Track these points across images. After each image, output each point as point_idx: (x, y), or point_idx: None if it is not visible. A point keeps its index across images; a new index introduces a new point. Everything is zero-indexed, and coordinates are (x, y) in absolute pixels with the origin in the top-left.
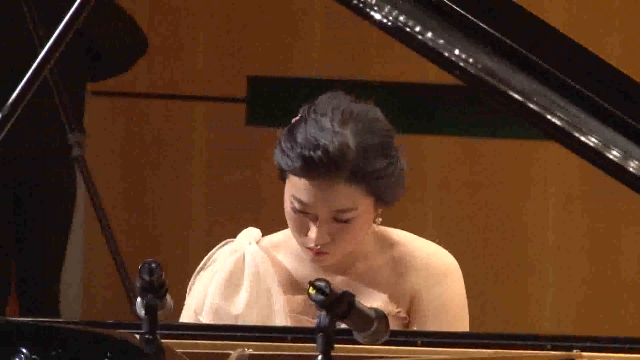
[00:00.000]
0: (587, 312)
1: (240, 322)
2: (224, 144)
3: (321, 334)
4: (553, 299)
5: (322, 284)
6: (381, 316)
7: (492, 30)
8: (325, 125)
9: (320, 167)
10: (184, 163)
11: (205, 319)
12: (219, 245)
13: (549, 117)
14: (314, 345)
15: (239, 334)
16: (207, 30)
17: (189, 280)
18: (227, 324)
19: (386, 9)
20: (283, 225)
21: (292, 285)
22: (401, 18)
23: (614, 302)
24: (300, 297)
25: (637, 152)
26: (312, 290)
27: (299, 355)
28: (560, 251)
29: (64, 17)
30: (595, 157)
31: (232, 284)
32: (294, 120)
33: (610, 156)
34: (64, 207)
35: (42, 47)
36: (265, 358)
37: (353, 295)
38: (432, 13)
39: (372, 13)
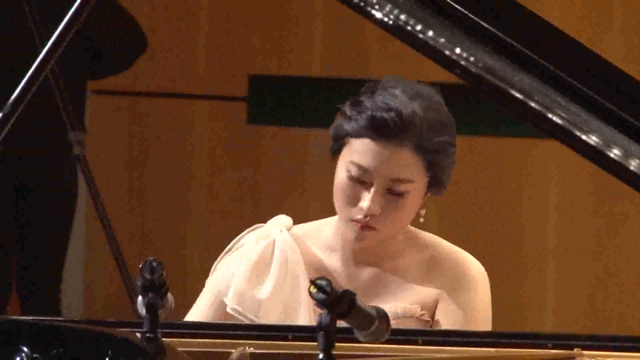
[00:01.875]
0: (588, 311)
1: (264, 308)
2: (224, 142)
3: (322, 332)
4: (553, 297)
5: (323, 282)
6: (382, 315)
7: (493, 29)
8: (396, 94)
9: (391, 127)
10: (185, 162)
11: (230, 301)
12: (248, 229)
13: (549, 115)
14: (315, 344)
15: (239, 332)
16: (208, 29)
17: (190, 279)
18: (228, 323)
19: (387, 8)
20: None
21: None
22: (402, 17)
23: (614, 301)
24: None
25: (638, 151)
26: (313, 289)
27: (300, 354)
28: (560, 250)
29: (64, 17)
30: (596, 155)
31: (259, 269)
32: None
33: (611, 155)
34: (65, 206)
35: (43, 47)
36: (266, 357)
37: (354, 294)
38: (433, 12)
39: (373, 12)
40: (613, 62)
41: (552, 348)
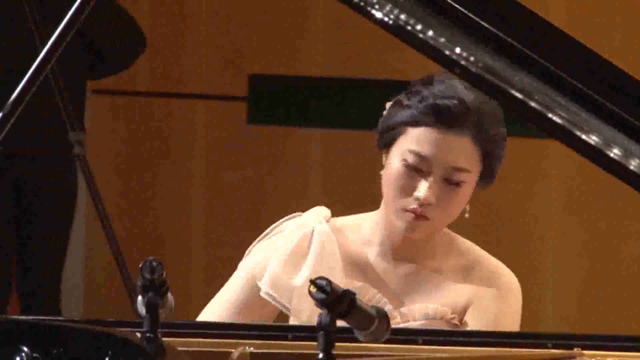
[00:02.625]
0: (589, 310)
1: (297, 296)
2: (225, 142)
3: (322, 332)
4: (554, 297)
5: (323, 282)
6: (382, 315)
7: (493, 29)
8: (455, 84)
9: (455, 113)
10: (185, 161)
11: (265, 286)
12: (287, 217)
13: (549, 115)
14: (315, 344)
15: (240, 332)
16: (208, 29)
17: (190, 278)
18: (228, 323)
19: (387, 8)
20: None
21: (354, 270)
22: (402, 16)
23: (615, 301)
24: (358, 284)
25: (638, 151)
26: (313, 289)
27: (300, 354)
28: (561, 249)
29: (64, 17)
30: (596, 155)
31: (296, 257)
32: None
33: (611, 154)
34: (64, 206)
35: (43, 46)
36: (266, 356)
37: (354, 294)
38: (433, 11)
39: (373, 11)
40: (613, 62)
41: (552, 348)
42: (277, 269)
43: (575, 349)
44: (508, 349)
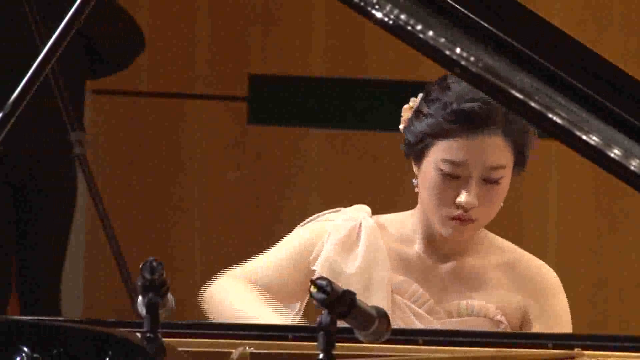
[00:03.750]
0: (588, 310)
1: (348, 283)
2: (225, 142)
3: (322, 332)
4: None
5: (323, 282)
6: (382, 315)
7: (493, 29)
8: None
9: (481, 115)
10: (185, 162)
11: (319, 267)
12: (330, 210)
13: (550, 115)
14: (315, 344)
15: (239, 332)
16: (208, 29)
17: (191, 278)
18: (228, 323)
19: (387, 8)
20: (284, 225)
21: (396, 265)
22: (402, 17)
23: (615, 301)
24: (401, 278)
25: (638, 151)
26: (313, 289)
27: (300, 354)
28: (560, 250)
29: (65, 16)
30: (596, 155)
31: (347, 245)
32: (407, 110)
33: (612, 155)
34: (64, 206)
35: (43, 47)
36: (266, 356)
37: (354, 294)
38: (433, 11)
39: (373, 12)
40: (613, 61)
41: (552, 348)
42: (331, 252)
43: (575, 349)
44: (508, 349)
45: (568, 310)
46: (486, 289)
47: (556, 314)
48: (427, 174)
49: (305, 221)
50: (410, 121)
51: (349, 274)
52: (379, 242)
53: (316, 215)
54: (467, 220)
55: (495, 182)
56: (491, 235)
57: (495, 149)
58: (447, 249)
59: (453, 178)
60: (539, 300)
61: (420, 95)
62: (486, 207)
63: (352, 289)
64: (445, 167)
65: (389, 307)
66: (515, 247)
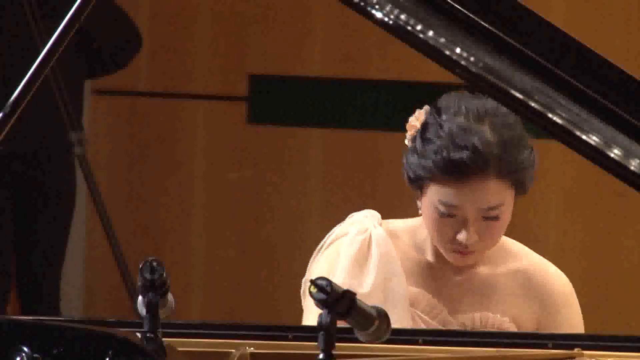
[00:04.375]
0: (588, 310)
1: (367, 302)
2: (224, 142)
3: (322, 332)
4: None
5: (323, 282)
6: (382, 315)
7: (493, 29)
8: (463, 124)
9: (471, 166)
10: (185, 161)
11: None
12: (348, 222)
13: (550, 115)
14: (316, 343)
15: (239, 332)
16: (208, 29)
17: (190, 278)
18: (228, 323)
19: (387, 8)
20: (284, 225)
21: (410, 275)
22: (402, 17)
23: (615, 301)
24: (416, 290)
25: (638, 151)
26: (313, 289)
27: (300, 354)
28: (561, 249)
29: (65, 16)
30: (596, 155)
31: (359, 263)
32: (412, 127)
33: (612, 155)
34: (63, 205)
35: (43, 47)
36: (266, 356)
37: (354, 294)
38: (433, 11)
39: (374, 12)
40: (613, 61)
41: (552, 348)
42: (341, 275)
43: (575, 349)
44: (508, 349)
45: (581, 319)
46: (499, 299)
47: (570, 325)
48: (426, 209)
49: (321, 245)
50: (408, 154)
51: (364, 293)
52: (392, 253)
53: (326, 238)
54: (468, 253)
55: (495, 218)
56: (505, 241)
57: (491, 192)
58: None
59: (451, 217)
60: (552, 310)
61: (425, 108)
62: (487, 240)
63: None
64: (442, 208)
65: (409, 321)
66: (529, 252)
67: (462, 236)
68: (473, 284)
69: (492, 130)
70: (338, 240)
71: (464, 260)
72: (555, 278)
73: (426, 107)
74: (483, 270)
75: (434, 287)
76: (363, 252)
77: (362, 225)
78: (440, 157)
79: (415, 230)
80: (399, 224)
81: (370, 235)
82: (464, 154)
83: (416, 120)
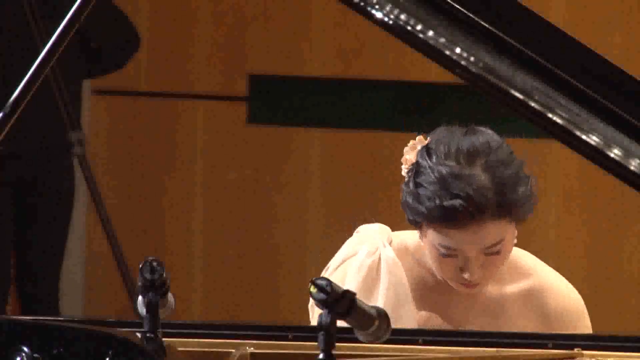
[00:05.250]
0: (589, 310)
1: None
2: (224, 143)
3: (322, 332)
4: None
5: (323, 282)
6: (382, 315)
7: (493, 29)
8: (454, 170)
9: (464, 214)
10: (185, 162)
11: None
12: (356, 239)
13: (550, 115)
14: (316, 343)
15: (239, 332)
16: (207, 29)
17: (190, 278)
18: (228, 323)
19: (387, 8)
20: (284, 225)
21: (420, 296)
22: (402, 17)
23: (615, 301)
24: (426, 315)
25: (638, 151)
26: (313, 289)
27: (300, 354)
28: (561, 249)
29: (65, 16)
30: (596, 155)
31: (366, 288)
32: (406, 160)
33: (612, 155)
34: (62, 205)
35: (43, 47)
36: (266, 356)
37: (354, 294)
38: (433, 11)
39: (374, 12)
40: (613, 61)
41: (552, 348)
42: None
43: (575, 349)
44: (508, 350)
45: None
46: (509, 320)
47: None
48: (427, 247)
49: (329, 265)
50: (405, 193)
51: None
52: (401, 277)
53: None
54: (473, 285)
55: (497, 252)
56: (515, 258)
57: (487, 234)
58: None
59: (453, 256)
60: (562, 331)
61: (419, 139)
62: (491, 272)
63: None
64: (442, 250)
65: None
66: (541, 267)
67: (465, 275)
68: (481, 304)
69: (485, 172)
70: (346, 261)
71: (471, 291)
72: (565, 299)
73: (420, 138)
74: (493, 290)
75: (443, 308)
76: (371, 277)
77: (372, 246)
78: (433, 205)
79: (424, 246)
80: (408, 238)
81: (380, 258)
82: (457, 203)
83: (411, 150)
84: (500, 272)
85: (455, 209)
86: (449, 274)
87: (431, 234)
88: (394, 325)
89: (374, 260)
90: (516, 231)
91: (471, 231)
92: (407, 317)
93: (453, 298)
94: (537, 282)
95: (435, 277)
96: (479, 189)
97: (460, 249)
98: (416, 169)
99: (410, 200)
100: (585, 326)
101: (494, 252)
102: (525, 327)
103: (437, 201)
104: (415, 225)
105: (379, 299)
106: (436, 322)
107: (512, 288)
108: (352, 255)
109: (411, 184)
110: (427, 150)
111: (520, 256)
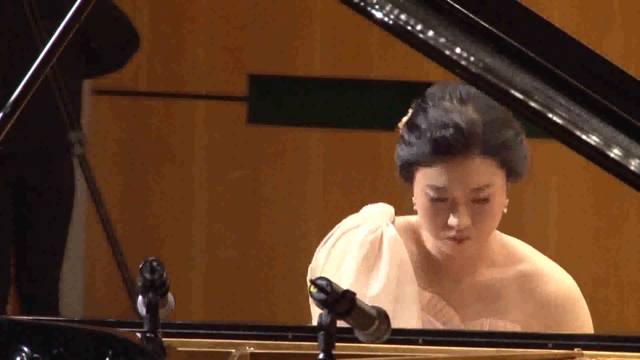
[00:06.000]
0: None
1: (374, 304)
2: (224, 142)
3: (322, 332)
4: None
5: (323, 282)
6: (382, 315)
7: (493, 29)
8: (447, 107)
9: (454, 144)
10: (185, 162)
11: None
12: (361, 214)
13: (550, 115)
14: (316, 343)
15: (239, 332)
16: (208, 29)
17: (190, 278)
18: (228, 323)
19: (387, 8)
20: (284, 225)
21: (422, 277)
22: (402, 16)
23: (615, 301)
24: (428, 295)
25: (639, 151)
26: (313, 289)
27: (300, 354)
28: (560, 249)
29: (65, 16)
30: (596, 155)
31: (368, 264)
32: (402, 123)
33: (612, 154)
34: (62, 205)
35: (43, 47)
36: (266, 356)
37: (354, 294)
38: (433, 11)
39: (374, 11)
40: (613, 61)
41: (552, 348)
42: (351, 280)
43: (575, 349)
44: (508, 350)
45: (589, 320)
46: (508, 305)
47: (578, 328)
48: (417, 198)
49: (329, 235)
50: (398, 149)
51: (373, 295)
52: (403, 255)
53: (334, 234)
54: (463, 239)
55: (485, 200)
56: (508, 243)
57: (476, 171)
58: (464, 261)
59: (441, 201)
60: (558, 316)
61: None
62: (480, 225)
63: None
64: (431, 192)
65: (420, 324)
66: (536, 254)
67: (453, 220)
68: (480, 288)
69: (475, 110)
70: (347, 233)
71: (461, 249)
72: (559, 282)
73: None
74: (488, 274)
75: (445, 291)
76: (373, 253)
77: (374, 224)
78: (424, 140)
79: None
80: (411, 219)
81: (382, 235)
82: (447, 132)
83: (406, 119)
84: (495, 256)
85: (445, 138)
86: (437, 224)
87: (421, 177)
88: (395, 302)
89: (376, 236)
90: (507, 186)
91: (460, 165)
92: (411, 295)
93: (454, 280)
94: (532, 267)
95: (434, 258)
96: (469, 121)
97: (448, 189)
98: (410, 117)
99: (402, 147)
100: (581, 309)
101: (483, 198)
102: (523, 312)
103: (429, 134)
104: (406, 175)
105: (379, 277)
106: (439, 304)
107: (506, 272)
108: (353, 227)
109: (405, 132)
110: (422, 98)
111: (515, 243)
